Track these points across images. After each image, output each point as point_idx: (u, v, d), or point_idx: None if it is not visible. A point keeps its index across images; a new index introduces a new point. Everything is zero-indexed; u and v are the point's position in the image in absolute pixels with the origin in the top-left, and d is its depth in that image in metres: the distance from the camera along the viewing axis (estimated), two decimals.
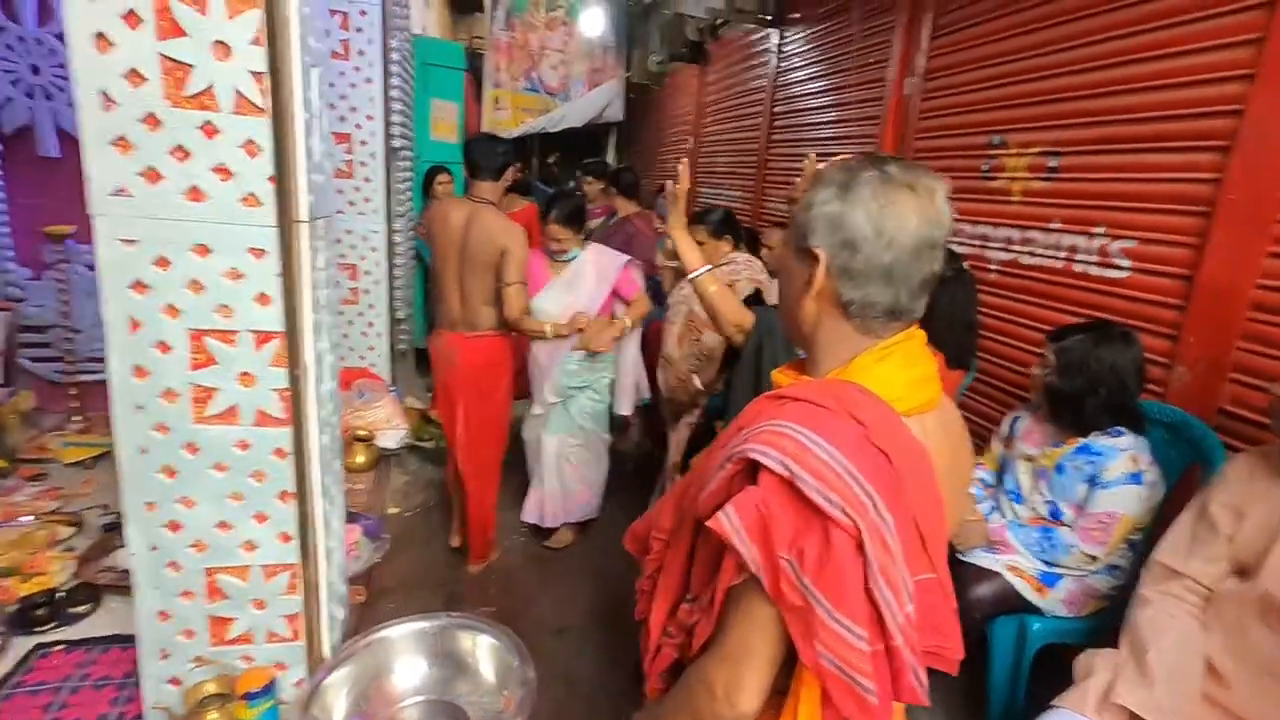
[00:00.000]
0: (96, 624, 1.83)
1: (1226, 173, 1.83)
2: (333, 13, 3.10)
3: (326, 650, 1.50)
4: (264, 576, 1.42)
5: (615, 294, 2.88)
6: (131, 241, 1.19)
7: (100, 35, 1.10)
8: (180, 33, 1.13)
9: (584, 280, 2.80)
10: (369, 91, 3.27)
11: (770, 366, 1.83)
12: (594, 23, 7.64)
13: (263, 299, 1.27)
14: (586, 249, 2.85)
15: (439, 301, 2.72)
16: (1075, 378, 1.82)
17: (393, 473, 3.58)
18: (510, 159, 2.65)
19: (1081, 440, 1.86)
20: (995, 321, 2.63)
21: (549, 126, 7.61)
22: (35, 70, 2.71)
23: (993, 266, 2.67)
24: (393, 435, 3.23)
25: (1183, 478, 1.86)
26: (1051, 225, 2.40)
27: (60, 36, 2.69)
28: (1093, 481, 1.81)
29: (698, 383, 2.82)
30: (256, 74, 1.17)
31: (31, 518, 2.23)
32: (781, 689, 0.81)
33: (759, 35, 4.95)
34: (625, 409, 3.10)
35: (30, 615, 1.78)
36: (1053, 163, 2.40)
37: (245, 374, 1.29)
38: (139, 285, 1.21)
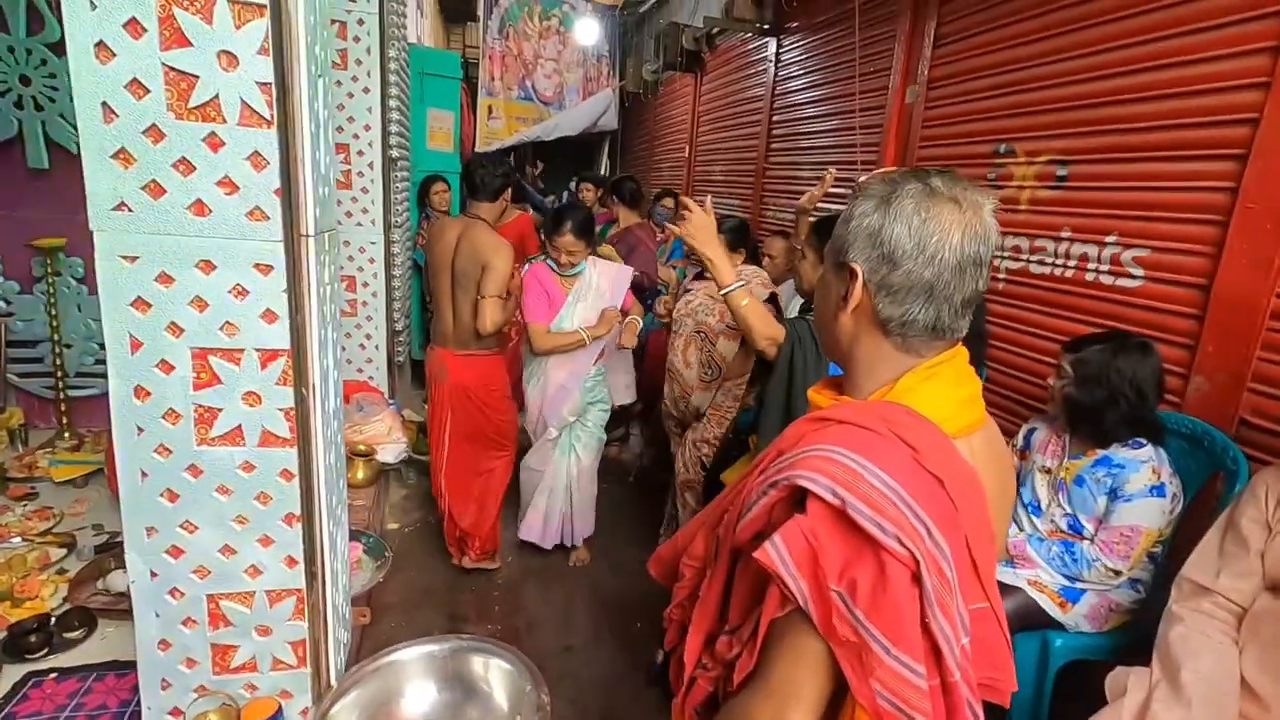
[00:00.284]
0: (91, 650, 1.77)
1: (1243, 181, 1.82)
2: (331, 22, 3.06)
3: (332, 676, 1.46)
4: (269, 602, 1.37)
5: None
6: (132, 258, 1.15)
7: (101, 45, 1.06)
8: (185, 43, 1.09)
9: (601, 293, 2.84)
10: (367, 101, 3.24)
11: (803, 374, 1.84)
12: (588, 32, 7.65)
13: (269, 316, 1.22)
14: (591, 262, 2.85)
15: (435, 317, 2.77)
16: (1095, 389, 1.80)
17: (391, 487, 3.53)
18: (509, 180, 2.73)
19: (1101, 452, 1.83)
20: (1004, 330, 2.60)
21: (543, 135, 7.61)
22: (25, 81, 2.66)
23: (1001, 275, 2.65)
24: (392, 449, 3.18)
25: (1203, 489, 1.84)
26: (1061, 234, 2.38)
27: (52, 46, 2.65)
28: (1114, 494, 1.79)
29: (696, 401, 2.85)
30: (263, 84, 1.13)
31: (21, 539, 2.17)
32: None
33: (756, 44, 4.94)
34: (625, 398, 3.30)
35: (22, 642, 1.72)
36: (1061, 171, 2.39)
37: (250, 393, 1.25)
38: (140, 303, 1.17)
